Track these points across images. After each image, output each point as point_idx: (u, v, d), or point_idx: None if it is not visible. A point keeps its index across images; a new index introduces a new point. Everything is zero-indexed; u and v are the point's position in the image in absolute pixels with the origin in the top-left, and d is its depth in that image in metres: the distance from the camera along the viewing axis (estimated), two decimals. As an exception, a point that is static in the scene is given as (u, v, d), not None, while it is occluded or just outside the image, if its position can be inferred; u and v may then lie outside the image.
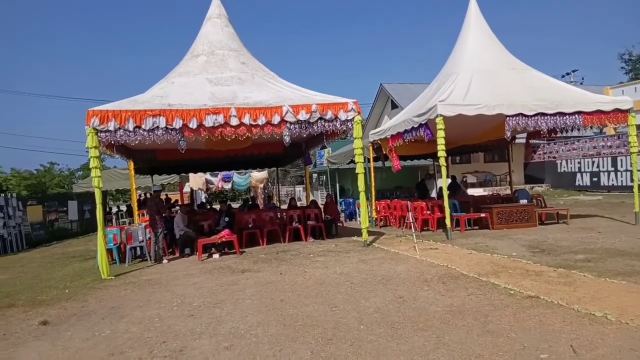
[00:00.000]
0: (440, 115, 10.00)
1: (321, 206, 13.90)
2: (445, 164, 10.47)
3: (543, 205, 13.45)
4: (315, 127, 9.61)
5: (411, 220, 10.33)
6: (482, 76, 11.04)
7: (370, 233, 10.67)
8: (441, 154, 10.25)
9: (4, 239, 14.75)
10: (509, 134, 10.40)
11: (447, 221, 10.38)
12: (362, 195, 10.07)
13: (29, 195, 24.50)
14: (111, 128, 8.38)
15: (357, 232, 12.12)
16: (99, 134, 8.38)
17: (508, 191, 17.91)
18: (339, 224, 13.50)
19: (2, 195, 15.92)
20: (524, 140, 15.93)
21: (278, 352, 4.11)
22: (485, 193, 20.58)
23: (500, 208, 11.74)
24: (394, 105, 29.17)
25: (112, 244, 10.17)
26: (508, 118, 10.22)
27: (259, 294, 6.38)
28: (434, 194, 18.46)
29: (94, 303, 6.57)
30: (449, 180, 13.14)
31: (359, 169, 9.96)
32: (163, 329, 5.09)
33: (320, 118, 9.52)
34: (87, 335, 5.07)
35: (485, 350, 3.79)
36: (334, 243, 10.91)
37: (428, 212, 12.56)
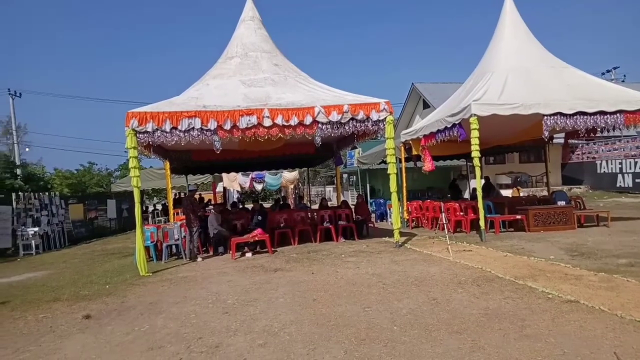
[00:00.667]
0: (475, 115, 9.83)
1: (352, 207, 13.89)
2: (479, 165, 10.29)
3: (582, 207, 13.00)
4: (347, 128, 9.63)
5: (444, 222, 10.19)
6: (518, 75, 10.78)
7: (402, 234, 10.60)
8: (475, 154, 10.07)
9: (48, 236, 15.42)
10: (547, 133, 10.12)
11: (481, 223, 10.19)
12: (394, 196, 10.01)
13: (70, 194, 25.51)
14: (149, 129, 8.65)
15: (389, 233, 12.06)
16: (137, 135, 8.67)
17: (545, 192, 17.39)
18: (369, 225, 13.45)
19: (47, 194, 16.67)
20: (561, 140, 15.45)
21: (312, 351, 4.15)
22: (520, 194, 20.07)
23: (537, 210, 11.43)
24: (426, 105, 28.82)
25: (149, 242, 10.47)
26: (545, 117, 9.94)
27: (291, 293, 6.45)
28: (466, 195, 18.15)
29: (133, 299, 6.79)
30: (483, 181, 12.89)
31: (391, 169, 9.90)
32: (199, 325, 5.22)
33: (352, 118, 9.53)
34: (127, 329, 5.26)
35: (523, 355, 3.72)
36: (365, 244, 10.88)
37: (461, 213, 12.36)
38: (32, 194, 15.95)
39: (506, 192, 19.84)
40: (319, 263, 8.68)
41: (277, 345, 4.38)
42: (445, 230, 10.01)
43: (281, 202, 16.36)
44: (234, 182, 25.33)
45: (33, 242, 14.22)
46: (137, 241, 8.86)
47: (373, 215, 16.93)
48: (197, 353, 4.32)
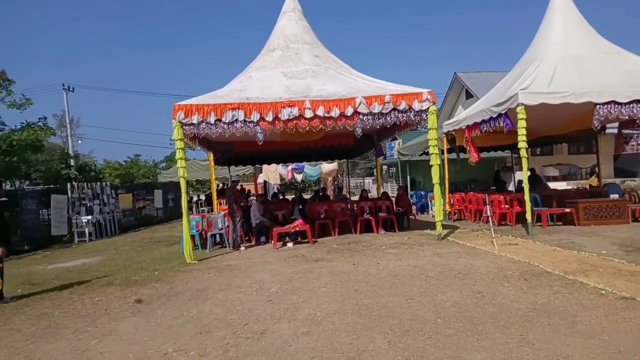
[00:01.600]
0: (522, 104, 9.50)
1: (392, 198, 13.78)
2: (526, 156, 9.96)
3: (637, 200, 12.35)
4: (388, 118, 9.55)
5: (489, 214, 9.94)
6: (569, 62, 10.30)
7: (444, 226, 10.44)
8: (522, 145, 9.75)
9: (100, 224, 16.21)
10: (597, 123, 9.64)
11: (528, 216, 9.88)
12: (437, 188, 9.86)
13: (119, 184, 26.66)
14: (194, 121, 8.91)
15: (430, 225, 11.91)
16: (184, 127, 8.95)
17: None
18: (410, 217, 13.32)
19: (98, 184, 17.50)
20: (615, 130, 14.66)
21: (355, 340, 4.19)
22: (569, 187, 19.26)
23: (588, 203, 10.95)
24: (469, 95, 28.01)
25: (194, 231, 10.81)
26: (598, 106, 9.48)
27: (333, 282, 6.50)
28: (511, 187, 17.60)
29: (181, 285, 7.06)
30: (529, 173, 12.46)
31: (434, 161, 9.75)
32: (244, 312, 5.36)
33: (394, 109, 9.44)
34: (176, 314, 5.47)
35: (574, 351, 3.61)
36: (406, 236, 10.79)
37: (506, 206, 12.02)
38: (85, 183, 16.79)
39: (554, 185, 19.08)
40: (360, 254, 8.69)
41: (321, 333, 4.44)
42: (490, 223, 9.77)
43: (320, 194, 16.43)
44: (274, 173, 25.66)
45: (86, 229, 14.99)
46: (184, 230, 9.18)
47: (413, 207, 16.72)
48: (243, 339, 4.45)
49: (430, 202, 15.95)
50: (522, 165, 10.11)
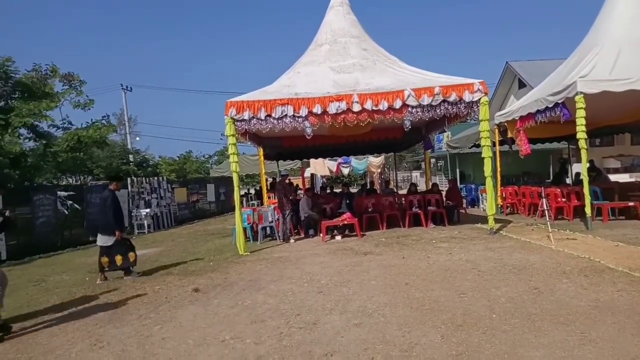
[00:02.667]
0: (581, 92, 9.03)
1: (441, 191, 13.52)
2: (585, 147, 9.47)
3: None
4: (438, 111, 9.38)
5: (545, 208, 9.55)
6: (634, 47, 9.65)
7: (496, 220, 10.16)
8: (581, 135, 9.28)
9: (158, 217, 17.01)
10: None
11: (587, 209, 9.41)
12: (489, 181, 9.60)
13: (174, 179, 27.78)
14: (246, 117, 9.14)
15: (481, 219, 11.61)
16: (235, 123, 9.20)
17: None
18: (461, 211, 13.03)
19: (156, 178, 18.35)
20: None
21: (407, 334, 4.20)
22: (632, 179, 18.11)
23: (655, 196, 10.28)
24: (522, 85, 26.87)
25: (246, 224, 11.11)
26: (667, 93, 8.84)
27: (383, 276, 6.51)
28: (568, 180, 16.79)
29: (235, 275, 7.31)
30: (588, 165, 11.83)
31: (486, 153, 9.49)
32: (296, 302, 5.49)
33: (444, 101, 9.26)
34: (231, 303, 5.69)
35: (641, 352, 3.45)
36: (457, 230, 10.59)
37: (563, 199, 11.50)
38: (143, 178, 17.65)
39: (616, 177, 18.00)
40: (409, 248, 8.63)
41: (372, 325, 4.48)
42: (546, 217, 9.38)
43: (368, 187, 16.39)
44: (321, 167, 25.83)
45: (145, 222, 15.78)
46: (237, 222, 9.48)
47: (463, 201, 16.32)
48: (296, 329, 4.57)
49: (481, 195, 15.52)
50: (581, 156, 9.63)
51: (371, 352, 3.84)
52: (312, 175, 26.24)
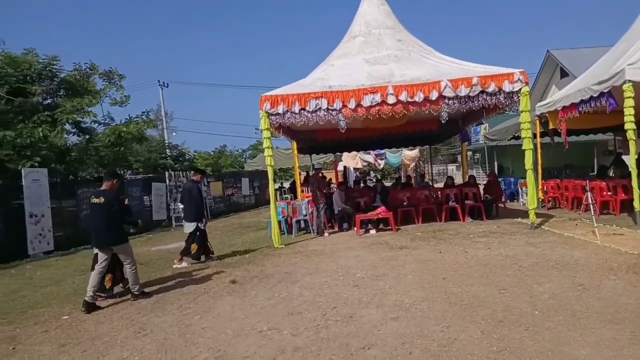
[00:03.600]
0: (629, 80, 8.55)
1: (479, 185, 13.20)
2: (634, 138, 9.00)
3: None
4: (476, 102, 9.15)
5: (590, 202, 9.16)
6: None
7: (537, 215, 9.82)
8: (629, 126, 8.80)
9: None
10: None
11: (636, 203, 8.93)
12: (530, 174, 9.30)
13: (210, 173, 28.34)
14: (280, 111, 9.19)
15: (521, 213, 11.27)
16: (270, 117, 9.26)
17: None
18: (499, 205, 12.69)
19: (192, 172, 18.74)
20: None
21: (446, 329, 4.13)
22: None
23: None
24: (564, 74, 25.80)
25: (280, 217, 11.20)
26: None
27: (419, 270, 6.43)
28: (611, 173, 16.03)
29: (271, 268, 7.39)
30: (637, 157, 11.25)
31: (526, 145, 9.19)
32: (332, 295, 5.50)
33: (482, 91, 9.01)
34: (268, 295, 5.76)
35: (698, 353, 3.26)
36: (495, 224, 10.32)
37: (609, 193, 11.00)
38: (180, 172, 18.07)
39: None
40: (446, 242, 8.49)
41: (410, 320, 4.43)
42: (591, 211, 9.00)
43: (403, 181, 16.21)
44: (354, 160, 25.73)
45: (182, 215, 16.14)
46: (272, 216, 9.57)
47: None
48: (332, 321, 4.58)
49: (521, 189, 15.06)
50: (630, 148, 9.16)
51: (409, 347, 3.80)
52: (345, 168, 26.19)
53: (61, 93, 14.12)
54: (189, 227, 8.18)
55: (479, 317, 4.35)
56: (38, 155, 11.95)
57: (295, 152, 13.89)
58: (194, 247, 8.15)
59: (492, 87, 8.96)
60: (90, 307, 5.58)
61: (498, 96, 9.04)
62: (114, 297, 6.24)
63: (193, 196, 8.14)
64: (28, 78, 13.03)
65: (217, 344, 4.20)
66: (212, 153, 38.16)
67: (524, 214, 10.50)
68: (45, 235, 11.11)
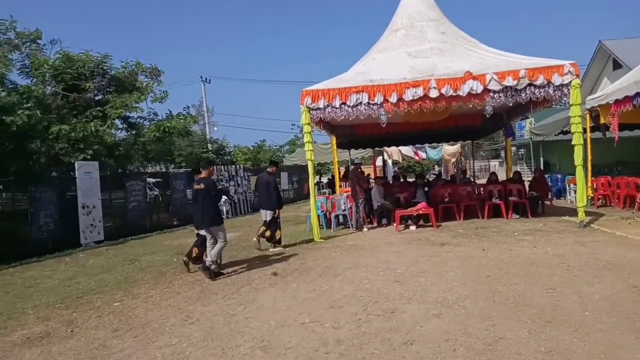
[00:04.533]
0: (693, 71, 8.07)
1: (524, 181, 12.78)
2: (696, 133, 8.48)
3: None
4: (523, 95, 8.87)
5: (644, 200, 8.72)
6: None
7: (587, 213, 9.43)
8: (690, 120, 8.31)
9: (235, 203, 17.77)
10: None
11: (697, 203, 8.45)
12: (579, 170, 8.93)
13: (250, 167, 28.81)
14: (321, 105, 9.23)
15: (569, 211, 10.85)
16: (311, 112, 9.32)
17: None
18: (545, 202, 12.25)
19: (233, 166, 19.16)
20: None
21: (490, 327, 4.05)
22: None
23: None
24: (617, 65, 24.48)
25: (319, 211, 11.26)
26: None
27: (462, 267, 6.33)
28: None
29: (311, 261, 7.47)
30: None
31: (576, 140, 8.83)
32: (373, 290, 5.50)
33: (530, 84, 8.72)
34: (309, 288, 5.83)
35: None
36: (541, 222, 9.98)
37: (666, 191, 10.40)
38: (222, 166, 18.49)
39: None
40: (489, 240, 8.29)
41: (453, 317, 4.38)
42: (646, 210, 8.57)
43: (445, 178, 15.92)
44: (393, 155, 25.47)
45: (224, 208, 16.51)
46: (312, 210, 9.66)
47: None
48: (374, 316, 4.58)
49: (569, 186, 14.47)
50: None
51: (453, 344, 3.76)
52: (384, 164, 25.97)
53: (111, 89, 14.72)
54: (267, 214, 8.75)
55: (526, 316, 4.25)
56: (90, 148, 12.53)
57: (335, 146, 13.91)
58: (278, 234, 8.85)
59: (540, 80, 8.66)
60: (216, 275, 6.58)
61: (547, 89, 8.73)
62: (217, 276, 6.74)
63: (271, 187, 8.75)
64: (82, 75, 13.65)
65: (260, 334, 4.30)
66: (252, 148, 38.71)
67: (572, 211, 10.11)
68: (96, 226, 11.67)
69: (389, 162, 26.57)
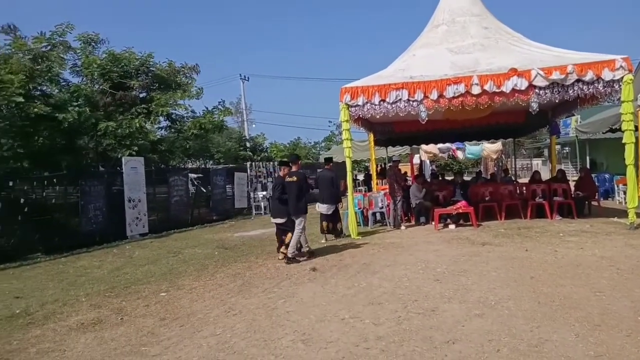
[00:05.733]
0: None
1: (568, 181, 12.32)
2: None
3: None
4: (571, 91, 8.56)
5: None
6: None
7: (638, 215, 8.99)
8: None
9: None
10: None
11: None
12: (630, 170, 8.54)
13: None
14: (360, 103, 9.23)
15: (618, 212, 10.39)
16: (349, 109, 9.33)
17: None
18: (592, 203, 11.77)
19: (270, 163, 19.42)
20: None
21: (535, 329, 3.96)
22: None
23: None
24: (673, 59, 23.19)
25: (357, 208, 11.27)
26: None
27: (504, 267, 6.20)
28: None
29: (349, 258, 7.50)
30: None
31: (628, 138, 8.45)
32: (412, 288, 5.48)
33: (578, 80, 8.40)
34: (347, 284, 5.86)
35: None
36: (588, 223, 9.60)
37: None
38: (260, 163, 18.77)
39: None
40: (532, 240, 8.07)
41: (496, 317, 4.31)
42: None
43: (485, 177, 15.55)
44: (430, 153, 25.06)
45: (262, 203, 16.82)
46: (349, 207, 9.68)
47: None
48: (414, 314, 4.57)
49: (617, 186, 13.84)
50: None
51: (496, 344, 3.70)
52: (422, 162, 25.62)
53: (154, 87, 15.22)
54: (329, 209, 9.22)
55: (573, 319, 4.13)
56: (135, 144, 13.02)
57: (372, 144, 13.86)
58: (339, 226, 9.53)
59: (589, 76, 8.32)
60: (291, 261, 7.29)
61: (596, 85, 8.39)
62: (292, 261, 7.34)
63: (334, 182, 9.23)
64: (127, 73, 14.18)
65: (301, 327, 4.37)
66: (287, 145, 39.08)
67: (621, 213, 9.69)
68: (141, 219, 12.14)
69: (427, 160, 26.17)
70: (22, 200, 9.69)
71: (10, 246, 9.33)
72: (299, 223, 7.48)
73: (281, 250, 7.64)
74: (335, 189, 9.26)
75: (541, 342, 3.69)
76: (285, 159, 9.74)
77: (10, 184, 9.75)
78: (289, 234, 7.54)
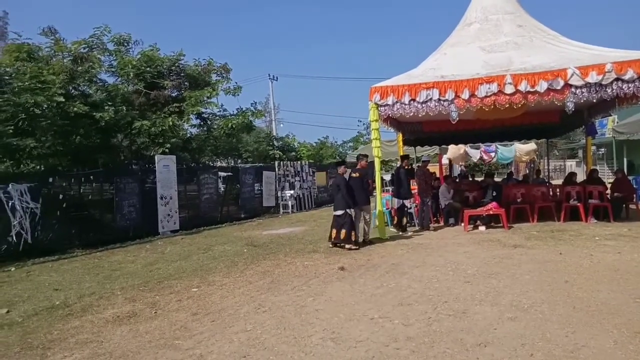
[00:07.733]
0: None
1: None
2: None
3: None
4: (609, 90, 8.28)
5: None
6: None
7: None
8: None
9: (300, 198, 18.13)
10: None
11: None
12: (673, 172, 8.18)
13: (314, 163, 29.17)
14: (389, 102, 9.17)
15: (658, 216, 10.00)
16: (379, 108, 9.28)
17: None
18: (631, 206, 11.35)
19: (298, 162, 19.53)
20: None
21: (571, 334, 3.87)
22: None
23: None
24: None
25: (384, 209, 11.20)
26: None
27: (537, 270, 6.06)
28: None
29: (377, 258, 7.47)
30: None
31: (670, 140, 8.09)
32: (442, 290, 5.42)
33: (617, 79, 8.12)
34: (376, 284, 5.85)
35: None
36: (626, 227, 9.28)
37: None
38: (288, 162, 18.91)
39: None
40: (567, 243, 7.86)
41: (529, 321, 4.22)
42: None
43: (518, 178, 15.18)
44: (460, 153, 24.61)
45: (289, 202, 16.95)
46: (378, 207, 9.64)
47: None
48: (444, 315, 4.52)
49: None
50: None
51: (530, 348, 3.63)
52: (450, 162, 25.21)
53: (186, 86, 15.51)
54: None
55: (610, 325, 4.01)
56: (168, 142, 13.32)
57: (400, 144, 13.75)
58: (404, 220, 10.26)
59: (629, 74, 8.03)
60: (360, 245, 8.47)
61: (636, 84, 8.08)
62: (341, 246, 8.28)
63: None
64: (160, 73, 14.51)
65: (331, 326, 4.39)
66: (315, 144, 39.13)
67: (662, 217, 9.32)
68: (172, 216, 12.41)
69: (454, 162, 25.71)
70: (60, 197, 10.06)
71: (49, 240, 9.69)
72: (369, 213, 8.78)
73: (333, 239, 8.45)
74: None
75: (577, 347, 3.60)
76: (341, 159, 11.68)
77: (50, 180, 10.13)
78: (343, 231, 8.23)
